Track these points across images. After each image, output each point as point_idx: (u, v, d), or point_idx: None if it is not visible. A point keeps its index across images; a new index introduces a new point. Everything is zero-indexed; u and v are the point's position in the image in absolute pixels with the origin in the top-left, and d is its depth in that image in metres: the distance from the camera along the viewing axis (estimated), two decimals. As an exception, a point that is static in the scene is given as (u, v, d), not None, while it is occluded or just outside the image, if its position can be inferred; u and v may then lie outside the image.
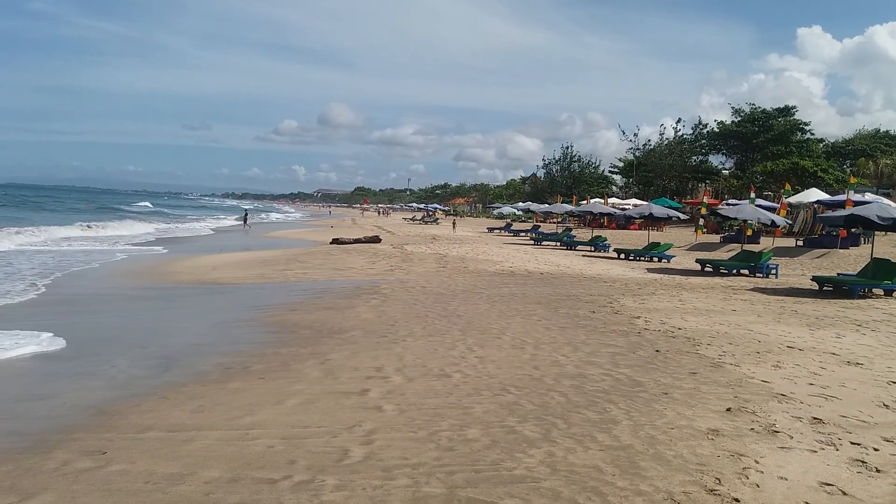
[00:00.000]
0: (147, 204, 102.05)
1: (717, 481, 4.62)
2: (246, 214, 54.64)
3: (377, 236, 34.18)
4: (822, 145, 67.62)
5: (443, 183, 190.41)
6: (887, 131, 72.26)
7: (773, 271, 21.10)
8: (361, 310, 12.21)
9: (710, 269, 22.02)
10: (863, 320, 12.39)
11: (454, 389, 6.84)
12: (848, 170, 61.04)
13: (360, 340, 9.46)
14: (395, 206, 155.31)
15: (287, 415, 6.02)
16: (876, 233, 19.58)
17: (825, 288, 17.27)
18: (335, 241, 30.31)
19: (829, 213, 24.55)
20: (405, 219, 78.72)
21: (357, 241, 31.63)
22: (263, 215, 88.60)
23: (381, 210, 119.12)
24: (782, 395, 6.91)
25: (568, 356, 8.51)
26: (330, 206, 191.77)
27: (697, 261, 22.92)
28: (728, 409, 6.33)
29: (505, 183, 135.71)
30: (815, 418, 6.12)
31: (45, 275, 16.48)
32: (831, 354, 9.13)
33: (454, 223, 58.24)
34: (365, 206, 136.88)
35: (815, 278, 17.78)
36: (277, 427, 5.66)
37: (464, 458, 4.93)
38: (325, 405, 6.30)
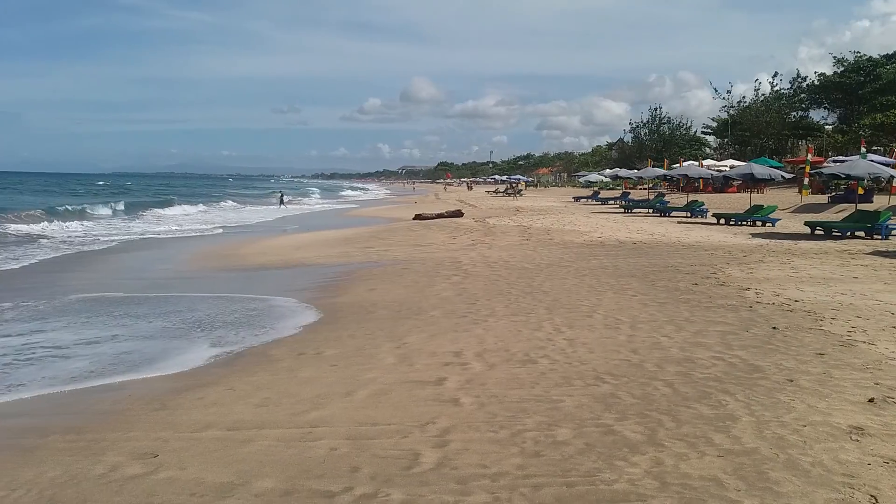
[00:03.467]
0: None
1: (874, 500, 3.70)
2: (282, 195, 55.16)
3: (459, 210, 33.52)
4: (940, 93, 61.68)
5: (526, 153, 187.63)
6: None
7: (894, 232, 19.08)
8: (441, 287, 11.59)
9: (821, 232, 20.16)
10: None
11: (540, 378, 6.09)
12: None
13: (439, 321, 8.83)
14: (477, 179, 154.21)
15: (356, 409, 5.44)
16: None
17: (959, 249, 15.37)
18: (417, 217, 29.87)
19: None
20: (487, 192, 77.72)
21: (439, 215, 31.09)
22: (349, 192, 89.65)
23: (468, 184, 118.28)
24: (936, 380, 5.79)
25: (671, 337, 7.57)
26: (414, 183, 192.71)
27: (806, 223, 21.07)
28: (871, 400, 5.30)
29: (591, 150, 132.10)
30: (985, 411, 5.02)
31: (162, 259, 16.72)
32: None
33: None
34: (448, 180, 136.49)
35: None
36: (344, 424, 5.08)
37: (552, 466, 4.19)
38: (398, 397, 5.69)
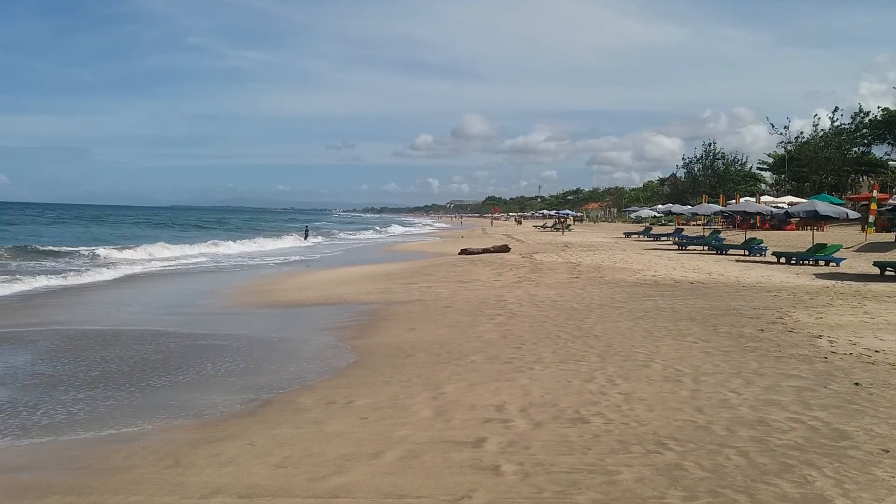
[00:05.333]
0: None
1: None
2: (307, 229, 54.98)
3: (506, 245, 32.87)
4: None
5: (575, 188, 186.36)
6: None
7: (975, 274, 17.73)
8: (485, 328, 10.97)
9: (892, 273, 18.89)
10: None
11: (593, 441, 5.39)
12: None
13: (481, 367, 8.19)
14: (526, 213, 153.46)
15: (383, 475, 4.84)
16: None
17: None
18: (463, 252, 29.34)
19: None
20: (535, 226, 76.92)
21: (485, 250, 30.50)
22: (396, 227, 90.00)
23: (516, 218, 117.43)
24: None
25: (739, 392, 6.78)
26: (462, 217, 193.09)
27: (876, 264, 19.78)
28: None
29: (642, 185, 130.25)
30: None
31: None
32: None
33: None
34: (495, 214, 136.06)
35: None
36: (367, 495, 4.48)
37: (611, 561, 3.50)
38: (431, 461, 5.07)
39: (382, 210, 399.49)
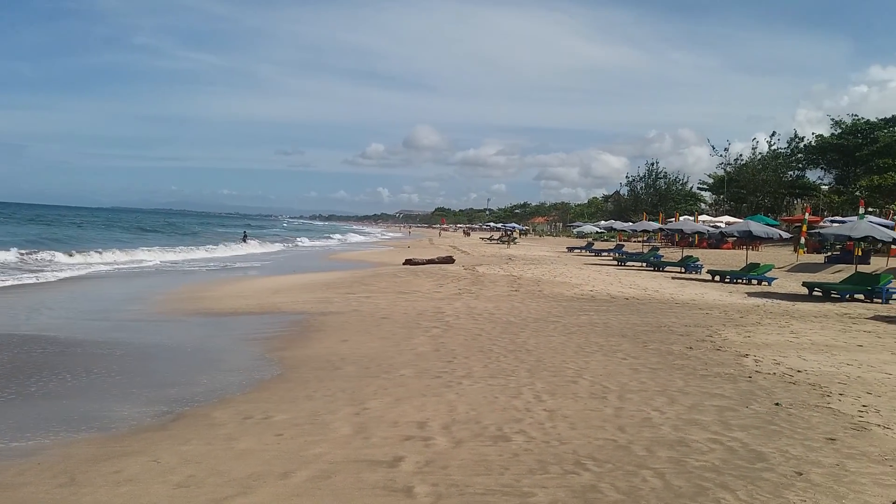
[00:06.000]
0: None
1: None
2: (245, 234, 55.05)
3: (451, 257, 32.84)
4: (934, 156, 61.87)
5: (523, 202, 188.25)
6: None
7: (895, 296, 18.42)
8: (419, 341, 10.80)
9: (820, 294, 19.50)
10: None
11: (512, 461, 5.27)
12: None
13: (409, 382, 8.02)
14: (473, 225, 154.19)
15: (289, 496, 4.61)
16: None
17: (966, 317, 14.68)
18: (407, 262, 29.17)
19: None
20: (482, 238, 77.26)
21: (430, 261, 30.39)
22: (342, 236, 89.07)
23: (464, 230, 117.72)
24: (968, 480, 5.01)
25: (663, 411, 6.77)
26: (410, 227, 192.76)
27: (805, 284, 20.41)
28: (896, 505, 4.51)
29: (587, 201, 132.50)
30: None
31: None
32: None
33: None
34: (442, 225, 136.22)
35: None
36: (271, 517, 4.26)
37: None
38: (342, 482, 4.86)
39: (331, 217, 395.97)
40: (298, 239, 67.83)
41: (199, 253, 37.99)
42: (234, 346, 10.68)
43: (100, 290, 19.22)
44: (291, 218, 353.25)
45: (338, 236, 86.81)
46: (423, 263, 29.23)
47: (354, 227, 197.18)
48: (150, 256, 32.71)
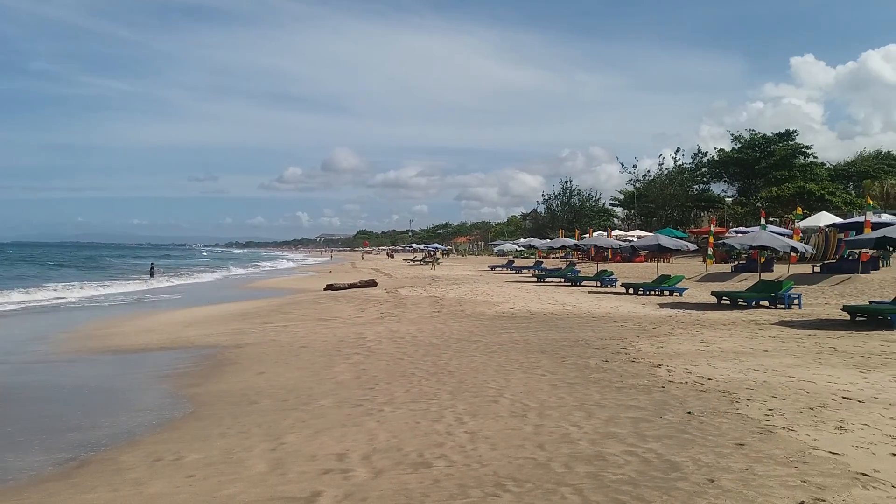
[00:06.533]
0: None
1: None
2: (153, 266, 51.91)
3: (373, 280, 32.64)
4: (824, 168, 66.32)
5: (444, 223, 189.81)
6: (889, 152, 71.03)
7: (797, 301, 19.46)
8: (339, 369, 10.61)
9: (728, 302, 20.39)
10: (916, 357, 10.75)
11: (433, 488, 5.21)
12: (852, 192, 59.73)
13: (329, 413, 7.85)
14: (397, 247, 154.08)
15: (201, 542, 4.40)
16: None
17: (858, 318, 15.64)
18: (329, 287, 28.76)
19: (857, 236, 22.93)
20: (405, 260, 77.23)
21: (352, 286, 30.09)
22: (259, 264, 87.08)
23: (388, 252, 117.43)
24: (864, 475, 5.28)
25: (580, 426, 6.87)
26: (332, 251, 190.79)
27: (713, 293, 21.29)
28: (801, 505, 4.69)
29: (506, 220, 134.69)
30: (922, 516, 4.49)
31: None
32: (901, 407, 7.49)
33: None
34: (365, 248, 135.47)
35: (846, 308, 16.15)
36: (179, 567, 4.04)
37: None
38: (257, 522, 4.68)
39: (248, 244, 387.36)
40: (211, 269, 65.69)
41: (107, 288, 36.23)
42: (143, 385, 10.20)
43: (0, 331, 18.07)
44: (207, 246, 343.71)
45: (254, 263, 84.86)
46: (345, 288, 28.90)
47: (274, 252, 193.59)
48: (53, 294, 30.97)
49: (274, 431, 7.09)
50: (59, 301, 27.53)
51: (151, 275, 47.33)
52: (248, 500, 5.10)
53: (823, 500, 4.75)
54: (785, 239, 23.60)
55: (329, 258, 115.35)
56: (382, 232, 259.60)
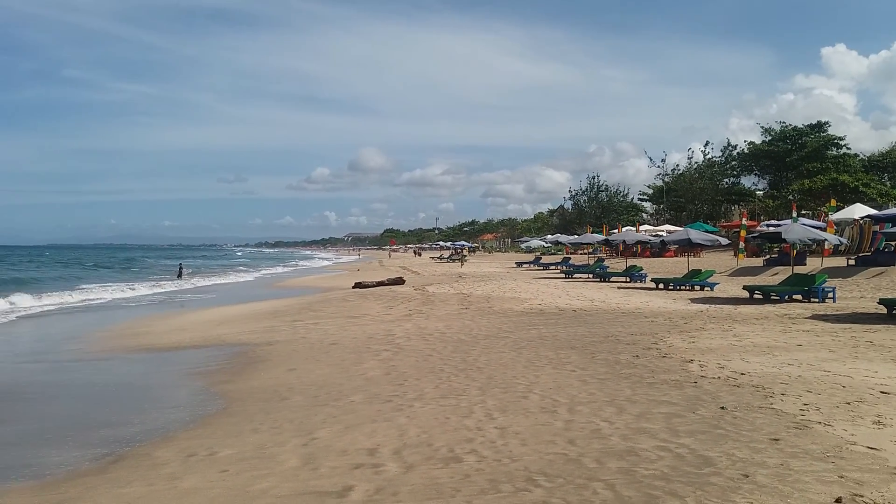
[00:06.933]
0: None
1: None
2: (181, 267, 52.04)
3: (401, 278, 32.75)
4: (858, 160, 64.90)
5: (471, 220, 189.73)
6: (926, 140, 69.29)
7: (831, 295, 19.11)
8: (369, 365, 10.67)
9: (760, 296, 20.09)
10: (957, 351, 10.49)
11: (463, 482, 5.21)
12: (888, 183, 58.40)
13: (360, 408, 7.89)
14: (424, 245, 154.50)
15: (235, 535, 4.45)
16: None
17: (895, 311, 15.30)
18: (357, 286, 28.94)
19: (893, 228, 22.44)
20: (432, 258, 77.39)
21: (380, 283, 30.24)
22: (288, 263, 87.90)
23: (415, 250, 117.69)
24: (904, 470, 5.16)
25: (612, 421, 6.82)
26: (359, 250, 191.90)
27: (745, 287, 20.99)
28: (838, 501, 4.61)
29: (533, 216, 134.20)
30: (966, 511, 4.38)
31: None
32: (942, 402, 7.31)
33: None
34: (392, 247, 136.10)
35: (882, 301, 15.81)
36: (215, 559, 4.09)
37: None
38: (290, 516, 4.72)
39: (277, 244, 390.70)
40: (243, 268, 66.37)
41: (142, 287, 36.84)
42: (176, 382, 10.37)
43: (39, 331, 18.49)
44: (238, 246, 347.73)
45: (284, 262, 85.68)
46: (373, 286, 29.05)
47: (304, 252, 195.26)
48: (93, 295, 31.55)
49: (305, 427, 7.15)
50: (97, 301, 28.06)
51: (180, 276, 47.86)
52: (281, 495, 5.15)
53: (861, 496, 4.66)
54: (818, 231, 23.16)
55: (357, 257, 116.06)
56: (409, 230, 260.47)
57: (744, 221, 36.40)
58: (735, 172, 71.19)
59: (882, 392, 7.81)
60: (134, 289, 35.07)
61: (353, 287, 28.69)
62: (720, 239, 28.70)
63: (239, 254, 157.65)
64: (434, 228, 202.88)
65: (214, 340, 14.41)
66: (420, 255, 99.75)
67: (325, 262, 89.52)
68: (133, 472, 6.05)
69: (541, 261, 49.67)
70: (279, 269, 66.37)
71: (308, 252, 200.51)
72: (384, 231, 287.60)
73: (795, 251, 28.60)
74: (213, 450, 6.54)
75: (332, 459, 5.98)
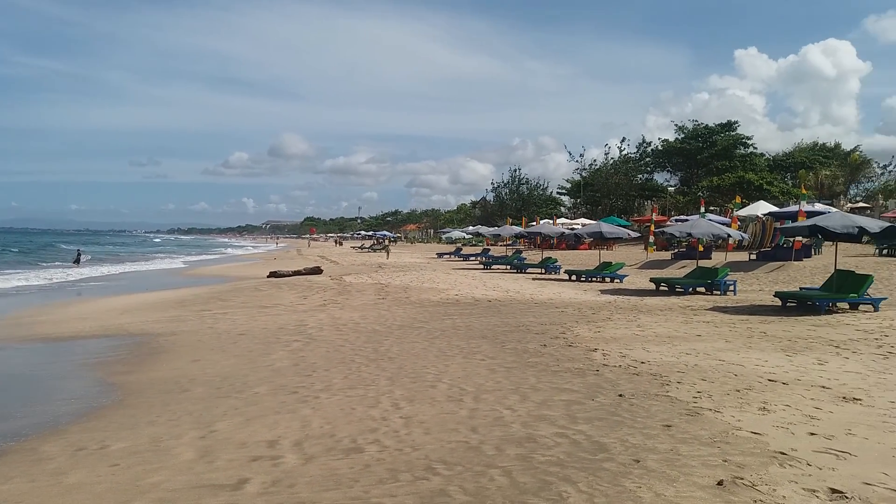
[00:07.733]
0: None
1: None
2: (79, 253, 50.19)
3: (318, 267, 32.32)
4: (763, 159, 68.39)
5: (394, 210, 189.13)
6: (824, 144, 73.76)
7: (732, 288, 20.05)
8: (277, 356, 10.46)
9: (666, 288, 20.88)
10: (839, 340, 11.21)
11: (363, 473, 5.18)
12: (789, 182, 61.79)
13: (263, 400, 7.73)
14: (345, 234, 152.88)
15: (119, 532, 4.28)
16: (830, 244, 18.74)
17: (788, 304, 16.21)
18: (272, 275, 28.37)
19: (791, 224, 23.73)
20: (354, 248, 76.71)
21: (296, 273, 29.75)
22: (201, 251, 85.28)
23: (336, 239, 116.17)
24: (782, 453, 5.46)
25: (514, 409, 6.93)
26: (278, 238, 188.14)
27: (652, 280, 21.76)
28: (720, 483, 4.83)
29: (456, 208, 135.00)
30: (833, 490, 4.68)
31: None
32: (821, 388, 7.80)
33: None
34: (311, 235, 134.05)
35: (777, 294, 16.73)
36: (94, 558, 3.92)
37: None
38: (180, 511, 4.57)
39: (190, 230, 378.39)
40: (150, 255, 63.97)
41: (40, 276, 34.88)
42: (71, 373, 9.87)
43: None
44: (148, 232, 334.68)
45: (194, 250, 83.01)
46: (290, 275, 28.55)
47: (219, 239, 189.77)
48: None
49: (205, 419, 6.94)
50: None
51: (77, 262, 45.52)
52: (173, 489, 4.98)
53: (742, 479, 4.90)
54: (722, 227, 24.24)
55: (275, 245, 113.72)
56: (331, 219, 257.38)
57: (654, 216, 37.73)
58: (649, 169, 73.73)
59: (770, 380, 8.25)
60: (30, 276, 33.18)
61: (268, 276, 28.12)
62: (629, 232, 29.67)
63: (157, 240, 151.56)
64: (357, 218, 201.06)
65: (116, 330, 13.80)
66: (341, 244, 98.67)
67: (241, 251, 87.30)
68: (14, 467, 5.72)
69: (461, 252, 50.02)
70: (192, 258, 64.21)
71: (224, 239, 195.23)
72: (304, 219, 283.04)
73: (702, 246, 29.91)
74: (104, 443, 6.26)
75: (229, 452, 5.83)
